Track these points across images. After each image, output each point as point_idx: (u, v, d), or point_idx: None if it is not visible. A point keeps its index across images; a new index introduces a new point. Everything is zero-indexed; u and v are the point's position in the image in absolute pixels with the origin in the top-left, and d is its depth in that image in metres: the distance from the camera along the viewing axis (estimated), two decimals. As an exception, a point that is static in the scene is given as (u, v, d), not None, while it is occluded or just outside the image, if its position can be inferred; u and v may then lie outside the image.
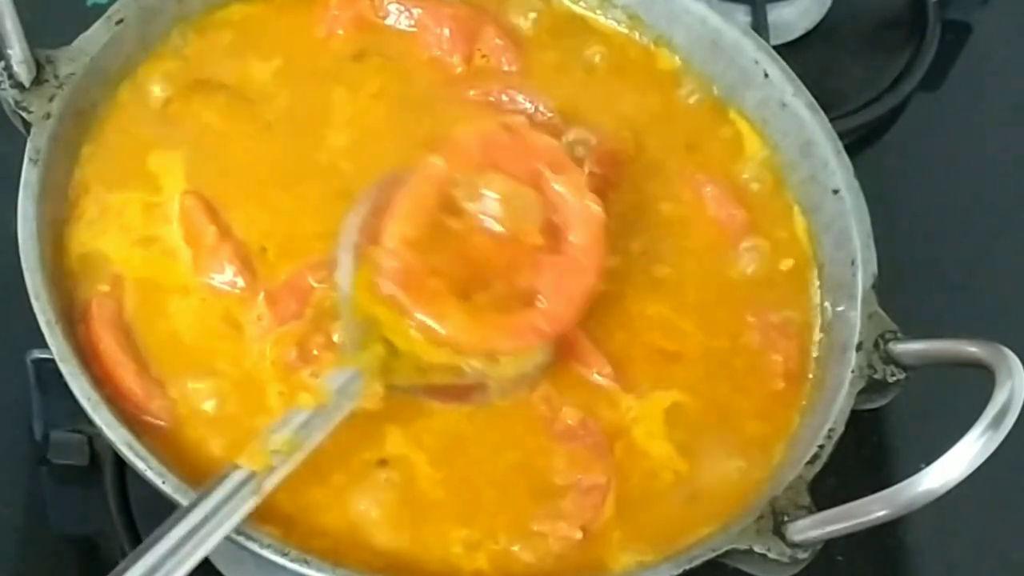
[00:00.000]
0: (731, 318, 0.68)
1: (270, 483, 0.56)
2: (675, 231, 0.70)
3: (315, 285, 0.64)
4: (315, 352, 0.62)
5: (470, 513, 0.60)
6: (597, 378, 0.64)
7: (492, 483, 0.61)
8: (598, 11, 0.77)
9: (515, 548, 0.59)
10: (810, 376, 0.66)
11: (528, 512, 0.60)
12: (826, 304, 0.68)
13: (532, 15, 0.77)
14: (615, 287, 0.66)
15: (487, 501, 0.60)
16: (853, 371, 0.63)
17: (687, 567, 0.57)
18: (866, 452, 0.80)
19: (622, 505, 0.61)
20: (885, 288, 0.66)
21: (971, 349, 0.57)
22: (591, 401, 0.64)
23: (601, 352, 0.64)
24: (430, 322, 0.60)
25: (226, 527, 0.54)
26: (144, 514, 0.71)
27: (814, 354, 0.67)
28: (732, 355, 0.67)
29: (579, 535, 0.59)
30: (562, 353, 0.64)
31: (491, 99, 0.72)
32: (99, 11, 0.68)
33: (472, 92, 0.72)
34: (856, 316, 0.65)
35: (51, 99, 0.64)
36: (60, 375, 0.57)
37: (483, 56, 0.74)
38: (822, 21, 0.99)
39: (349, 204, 0.65)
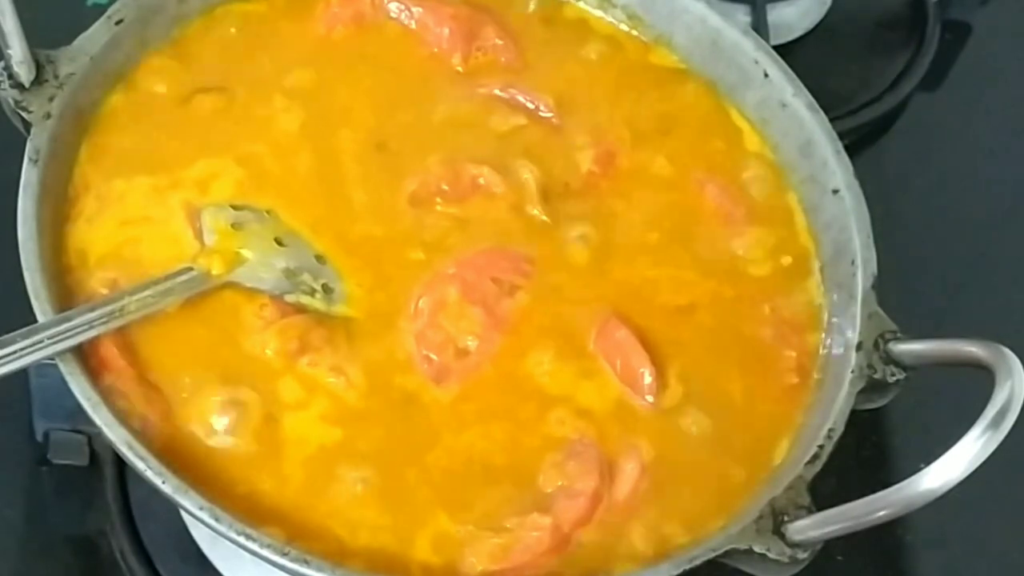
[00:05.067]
0: (735, 276, 0.69)
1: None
2: (674, 220, 0.70)
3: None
4: (316, 344, 0.62)
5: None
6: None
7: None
8: (598, 10, 0.77)
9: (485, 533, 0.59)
10: (815, 376, 0.66)
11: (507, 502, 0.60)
12: (826, 303, 0.68)
13: (531, 15, 0.77)
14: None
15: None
16: (853, 371, 0.63)
17: (687, 567, 0.57)
18: (866, 452, 0.80)
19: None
20: (885, 288, 0.66)
21: (971, 349, 0.57)
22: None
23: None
24: None
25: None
26: (144, 514, 0.71)
27: (820, 352, 0.67)
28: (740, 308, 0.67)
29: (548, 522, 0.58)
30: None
31: (494, 93, 0.73)
32: (99, 11, 0.68)
33: (480, 90, 0.73)
34: (856, 316, 0.65)
35: (51, 99, 0.64)
36: (60, 375, 0.57)
37: (483, 55, 0.74)
38: (822, 21, 0.99)
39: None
